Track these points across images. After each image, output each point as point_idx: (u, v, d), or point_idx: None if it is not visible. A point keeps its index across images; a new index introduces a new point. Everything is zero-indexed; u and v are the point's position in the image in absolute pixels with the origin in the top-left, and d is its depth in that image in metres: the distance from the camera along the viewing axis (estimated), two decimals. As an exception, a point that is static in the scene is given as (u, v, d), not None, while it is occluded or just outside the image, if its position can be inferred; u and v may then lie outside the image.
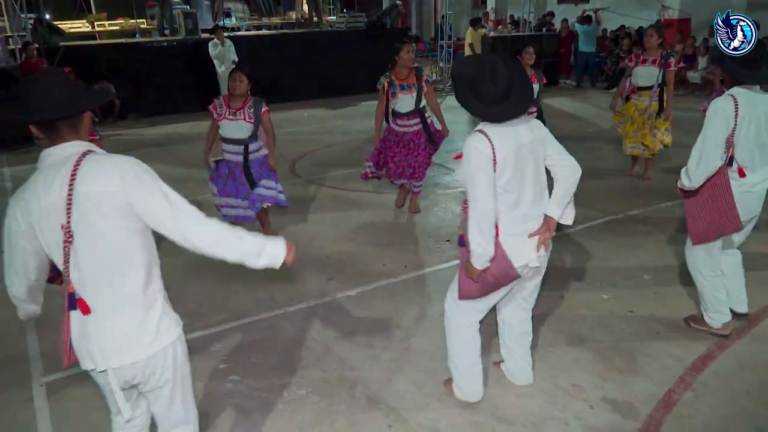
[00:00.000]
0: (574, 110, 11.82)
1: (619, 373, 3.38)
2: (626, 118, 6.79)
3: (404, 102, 5.49)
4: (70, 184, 1.90)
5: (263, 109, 4.94)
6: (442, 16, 15.11)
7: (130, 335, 2.03)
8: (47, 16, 12.97)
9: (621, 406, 3.12)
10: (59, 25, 12.22)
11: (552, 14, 16.88)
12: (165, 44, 12.57)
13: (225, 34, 11.92)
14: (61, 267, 1.97)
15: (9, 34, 11.17)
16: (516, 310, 3.18)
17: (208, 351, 3.72)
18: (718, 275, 3.67)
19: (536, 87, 6.19)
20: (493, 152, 2.59)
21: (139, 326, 2.04)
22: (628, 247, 5.09)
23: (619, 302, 4.17)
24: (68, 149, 1.97)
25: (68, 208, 1.90)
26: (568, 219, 2.88)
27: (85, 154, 1.97)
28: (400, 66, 5.45)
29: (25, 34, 10.86)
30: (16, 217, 1.96)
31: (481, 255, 2.69)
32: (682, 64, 13.57)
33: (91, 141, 3.96)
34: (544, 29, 15.51)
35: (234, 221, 5.02)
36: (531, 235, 2.78)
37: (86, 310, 1.98)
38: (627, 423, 3.00)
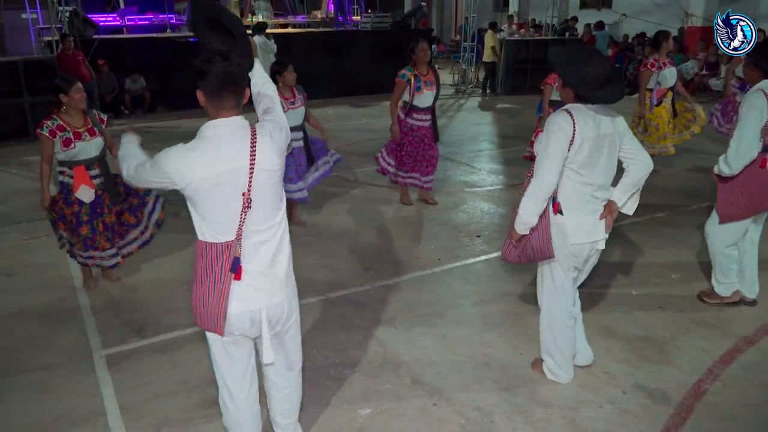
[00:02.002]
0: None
1: (650, 363, 3.54)
2: (652, 121, 6.97)
3: (426, 97, 5.79)
4: (252, 155, 2.15)
5: (305, 94, 5.38)
6: (465, 18, 15.25)
7: (276, 282, 2.34)
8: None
9: (653, 392, 3.28)
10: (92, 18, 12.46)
11: (575, 19, 16.97)
12: (195, 39, 12.79)
13: (248, 31, 12.15)
14: (231, 232, 2.19)
15: (46, 25, 11.42)
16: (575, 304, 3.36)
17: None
18: (734, 249, 4.04)
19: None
20: (573, 132, 2.80)
21: (284, 273, 2.37)
22: (654, 247, 5.24)
23: (648, 299, 4.32)
24: (238, 122, 2.21)
25: (251, 176, 2.15)
26: (629, 209, 3.12)
27: (253, 126, 2.22)
28: (419, 63, 5.72)
29: (61, 25, 11.11)
30: (180, 167, 2.14)
31: (525, 221, 2.96)
32: (704, 72, 13.70)
33: (101, 122, 4.19)
34: (566, 34, 15.60)
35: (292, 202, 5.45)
36: (600, 217, 3.01)
37: (239, 277, 2.22)
38: (659, 408, 3.15)
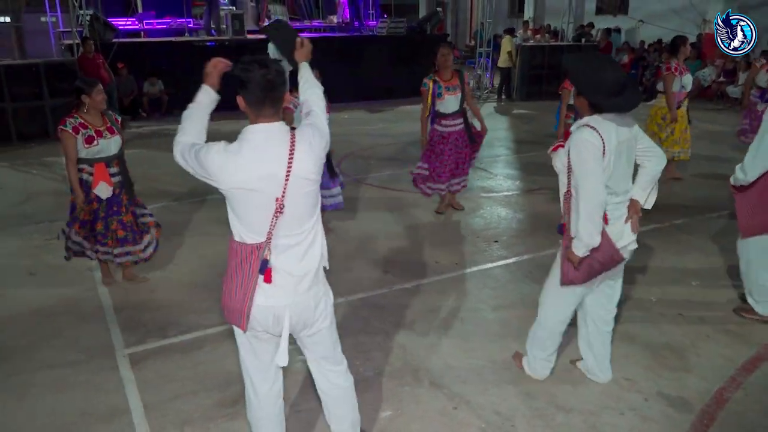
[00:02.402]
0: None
1: (671, 370, 3.52)
2: (674, 125, 6.97)
3: (450, 103, 5.76)
4: (289, 162, 2.19)
5: (328, 103, 5.31)
6: (481, 24, 15.26)
7: (304, 283, 2.35)
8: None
9: (674, 400, 3.26)
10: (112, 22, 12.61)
11: (591, 25, 16.94)
12: (212, 44, 12.91)
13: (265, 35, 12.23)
14: (262, 234, 2.23)
15: (66, 29, 11.56)
16: (602, 303, 3.30)
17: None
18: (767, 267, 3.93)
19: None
20: (603, 145, 2.79)
21: (313, 274, 2.38)
22: (674, 254, 5.21)
23: (668, 305, 4.30)
24: (278, 128, 2.24)
25: (286, 183, 2.19)
26: (649, 203, 3.09)
27: (293, 133, 2.25)
28: (442, 68, 5.71)
29: (82, 29, 11.24)
30: (221, 168, 2.19)
31: (588, 244, 2.88)
32: (722, 79, 13.62)
33: (116, 122, 4.27)
34: (582, 40, 15.58)
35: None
36: (626, 220, 3.01)
37: (269, 280, 2.26)
38: (681, 416, 3.14)
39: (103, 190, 4.30)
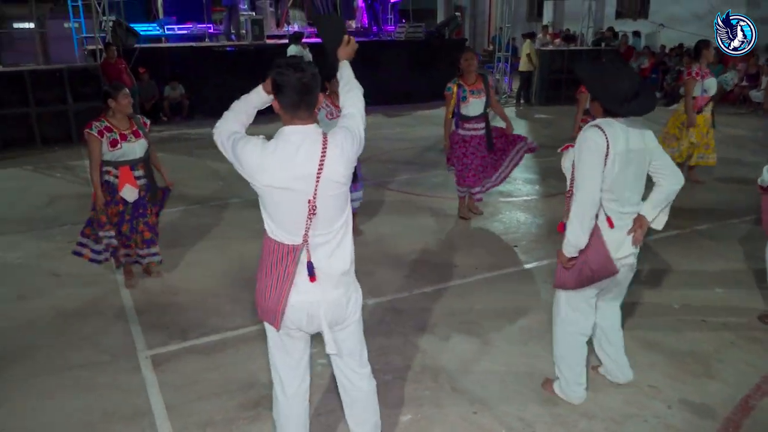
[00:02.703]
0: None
1: (695, 377, 3.48)
2: (694, 129, 6.92)
3: (474, 106, 5.75)
4: (320, 165, 2.21)
5: None
6: (500, 28, 15.22)
7: (335, 279, 2.38)
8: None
9: (698, 407, 3.22)
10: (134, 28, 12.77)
11: (611, 29, 16.83)
12: (232, 48, 13.03)
13: (284, 41, 12.36)
14: (298, 236, 2.27)
15: (90, 34, 11.73)
16: (608, 312, 3.31)
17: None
18: None
19: None
20: (608, 148, 2.78)
21: (344, 271, 2.40)
22: (696, 260, 5.15)
23: (691, 312, 4.25)
24: (311, 129, 2.27)
25: (317, 184, 2.22)
26: (659, 224, 3.04)
27: (325, 136, 2.27)
28: (466, 73, 5.72)
29: (105, 35, 11.40)
30: (255, 164, 2.23)
31: (574, 244, 2.90)
32: (744, 83, 13.46)
33: (144, 125, 4.33)
34: (602, 44, 15.48)
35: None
36: (628, 232, 2.96)
37: (314, 279, 2.31)
38: (705, 423, 3.10)
39: (129, 193, 4.38)
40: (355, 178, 5.40)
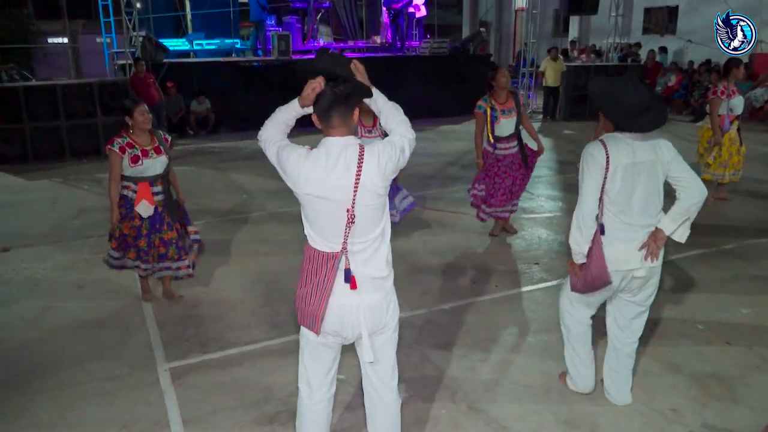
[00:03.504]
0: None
1: (719, 401, 3.40)
2: (718, 147, 6.84)
3: (506, 126, 5.67)
4: (357, 175, 2.30)
5: None
6: (524, 44, 15.21)
7: (374, 284, 2.45)
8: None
9: (721, 432, 3.15)
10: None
11: (639, 45, 16.69)
12: (258, 64, 13.21)
13: (311, 56, 12.48)
14: (337, 244, 2.36)
15: (120, 50, 12.01)
16: (624, 332, 3.31)
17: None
18: None
19: None
20: (607, 162, 2.89)
21: (383, 277, 2.48)
22: (722, 280, 5.05)
23: (715, 333, 4.16)
24: (348, 141, 2.36)
25: (354, 194, 2.30)
26: (680, 237, 3.04)
27: (362, 147, 2.36)
28: (499, 90, 5.63)
29: (135, 50, 11.65)
30: (297, 171, 2.32)
31: (575, 251, 3.07)
32: (773, 99, 13.24)
33: (165, 141, 4.37)
34: (629, 60, 15.36)
35: None
36: (641, 247, 2.98)
37: (354, 286, 2.38)
38: (728, 449, 3.03)
39: (144, 208, 4.37)
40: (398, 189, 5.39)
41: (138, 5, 15.53)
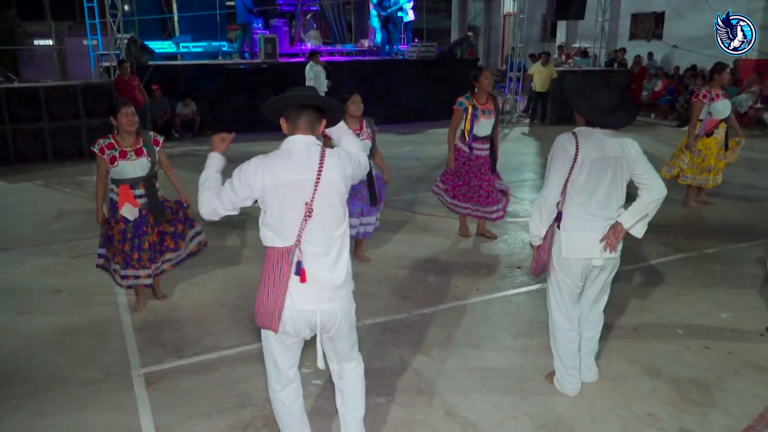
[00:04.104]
0: (644, 147, 11.70)
1: (696, 406, 3.39)
2: (701, 152, 6.86)
3: (484, 126, 5.71)
4: (319, 170, 2.45)
5: (375, 128, 5.24)
6: (512, 48, 15.23)
7: (333, 291, 2.57)
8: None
9: (698, 437, 3.14)
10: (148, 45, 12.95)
11: (624, 50, 16.78)
12: (245, 66, 13.16)
13: (298, 59, 12.48)
14: (291, 237, 2.46)
15: (104, 52, 11.92)
16: (586, 319, 3.50)
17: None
18: None
19: None
20: (576, 154, 3.07)
21: (341, 283, 2.59)
22: (703, 285, 5.06)
23: (695, 338, 4.16)
24: (311, 140, 2.53)
25: (315, 188, 2.45)
26: (638, 232, 3.19)
27: (323, 147, 2.52)
28: (481, 91, 5.67)
29: (119, 52, 11.57)
30: (258, 171, 2.46)
31: (532, 233, 3.28)
32: (759, 105, 13.34)
33: (153, 143, 4.28)
34: (615, 65, 15.43)
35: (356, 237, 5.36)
36: (602, 239, 3.14)
37: (304, 279, 2.47)
38: (705, 454, 3.02)
39: (128, 211, 4.30)
40: (376, 199, 5.35)
41: (126, 7, 15.47)
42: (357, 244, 5.56)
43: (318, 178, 2.45)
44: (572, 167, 3.07)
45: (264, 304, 2.52)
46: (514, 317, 4.51)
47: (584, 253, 3.17)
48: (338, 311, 2.59)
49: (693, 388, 3.57)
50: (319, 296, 2.53)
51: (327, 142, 2.92)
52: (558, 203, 3.18)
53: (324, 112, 2.57)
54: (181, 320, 4.50)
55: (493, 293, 4.93)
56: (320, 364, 2.65)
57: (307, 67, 12.05)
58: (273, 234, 2.51)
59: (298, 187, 2.44)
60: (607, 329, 4.25)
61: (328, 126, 2.65)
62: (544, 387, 3.58)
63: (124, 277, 4.43)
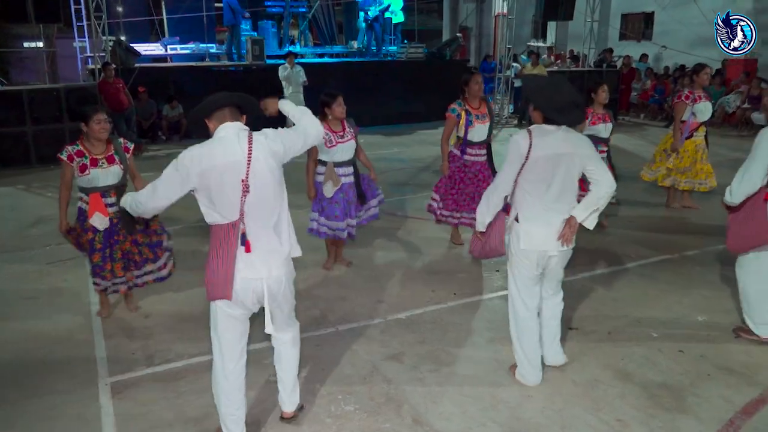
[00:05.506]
0: (632, 147, 11.69)
1: (666, 411, 3.36)
2: (682, 154, 6.84)
3: (480, 131, 5.57)
4: (249, 150, 2.71)
5: (356, 127, 5.17)
6: (508, 49, 15.15)
7: (277, 259, 2.85)
8: (123, 38, 13.67)
9: (666, 444, 3.11)
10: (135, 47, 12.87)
11: (611, 50, 16.77)
12: (232, 68, 13.11)
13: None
14: (235, 213, 2.73)
15: (89, 54, 11.85)
16: (549, 305, 3.68)
17: (262, 363, 3.85)
18: (764, 289, 4.02)
19: (609, 126, 6.19)
20: (529, 150, 3.21)
21: (285, 254, 2.90)
22: (681, 287, 5.03)
23: (669, 341, 4.13)
24: (238, 126, 2.81)
25: (248, 166, 2.70)
26: (590, 224, 3.36)
27: (250, 132, 2.81)
28: (472, 96, 5.55)
29: (104, 54, 11.50)
30: (195, 159, 2.69)
31: (478, 219, 3.50)
32: (746, 105, 13.35)
33: (125, 151, 4.15)
34: (604, 65, 15.43)
35: (336, 238, 5.28)
36: (559, 237, 3.31)
37: (249, 249, 2.74)
38: (672, 461, 2.99)
39: (98, 221, 4.18)
40: (364, 198, 5.27)
41: (119, 9, 15.41)
42: (338, 247, 5.51)
43: (249, 157, 2.70)
44: (524, 164, 3.23)
45: (216, 273, 2.75)
46: (489, 322, 4.47)
47: (541, 246, 3.35)
48: (282, 277, 2.87)
49: (664, 393, 3.54)
50: (265, 264, 2.80)
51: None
52: (506, 196, 3.40)
53: (240, 107, 2.87)
54: (154, 327, 4.45)
55: (471, 297, 4.89)
56: (268, 329, 2.91)
57: (281, 68, 12.02)
58: (216, 213, 2.75)
59: (233, 168, 2.68)
60: (581, 333, 4.25)
61: (246, 114, 2.90)
62: (515, 394, 3.54)
63: (96, 284, 4.36)
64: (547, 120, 3.25)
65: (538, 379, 3.59)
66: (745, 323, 4.15)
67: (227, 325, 2.90)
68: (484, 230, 3.52)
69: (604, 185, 3.26)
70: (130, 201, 3.01)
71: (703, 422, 3.27)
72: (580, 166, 3.26)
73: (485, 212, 3.45)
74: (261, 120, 3.02)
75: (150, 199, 2.85)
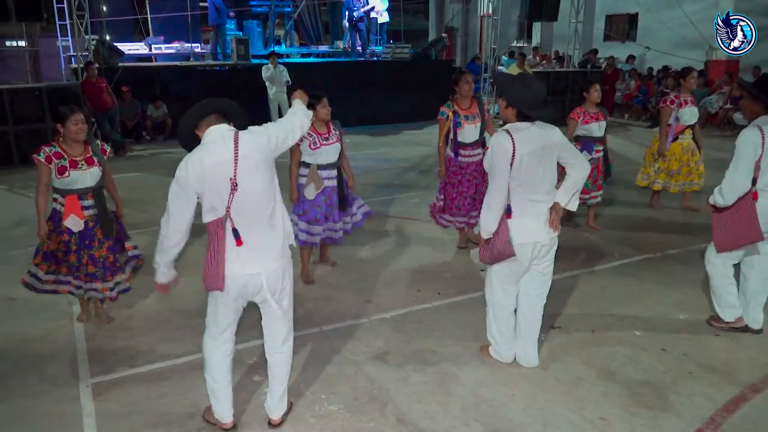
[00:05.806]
0: (617, 147, 11.77)
1: (649, 410, 3.39)
2: (669, 157, 6.88)
3: (469, 132, 5.51)
4: (235, 149, 2.81)
5: (342, 130, 5.11)
6: (493, 49, 15.19)
7: (273, 252, 2.97)
8: (107, 37, 13.54)
9: (648, 441, 3.13)
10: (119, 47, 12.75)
11: (595, 51, 16.88)
12: (217, 68, 13.04)
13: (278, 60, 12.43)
14: (223, 210, 2.84)
15: (72, 53, 11.73)
16: (532, 287, 3.70)
17: (245, 363, 3.85)
18: (729, 276, 4.16)
19: (603, 124, 6.21)
20: (513, 150, 3.28)
21: (280, 246, 3.00)
22: (664, 285, 5.07)
23: (652, 340, 4.17)
24: (224, 128, 2.93)
25: (235, 165, 2.80)
26: (572, 206, 3.52)
27: (236, 131, 2.91)
28: (462, 96, 5.51)
29: (87, 53, 11.39)
30: (188, 166, 2.82)
31: (485, 229, 3.49)
32: (728, 106, 13.49)
33: (102, 152, 4.11)
34: (588, 66, 15.53)
35: (321, 242, 5.23)
36: (549, 223, 3.45)
37: (240, 243, 2.85)
38: (654, 459, 3.01)
39: (73, 223, 4.09)
40: (345, 204, 5.19)
41: (104, 8, 15.26)
42: (322, 248, 5.50)
43: (236, 156, 2.81)
44: (512, 164, 3.29)
45: (210, 267, 2.87)
46: (472, 321, 4.47)
47: (533, 237, 3.44)
48: (279, 270, 2.98)
49: (647, 391, 3.57)
50: (262, 258, 2.92)
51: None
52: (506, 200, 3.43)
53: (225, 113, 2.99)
54: (137, 328, 4.41)
55: (455, 297, 4.90)
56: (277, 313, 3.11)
57: (264, 68, 11.99)
58: (210, 211, 2.89)
59: (221, 167, 2.80)
60: (565, 332, 4.27)
61: (232, 121, 3.00)
62: (498, 393, 3.55)
63: (78, 287, 4.27)
64: (521, 116, 3.33)
65: (511, 356, 3.78)
66: (715, 311, 4.30)
67: (223, 308, 3.04)
68: (491, 237, 3.50)
69: (579, 168, 3.44)
70: (157, 245, 3.05)
71: (685, 420, 3.30)
72: (555, 154, 3.41)
73: (491, 221, 3.44)
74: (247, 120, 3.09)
75: (165, 222, 2.94)
